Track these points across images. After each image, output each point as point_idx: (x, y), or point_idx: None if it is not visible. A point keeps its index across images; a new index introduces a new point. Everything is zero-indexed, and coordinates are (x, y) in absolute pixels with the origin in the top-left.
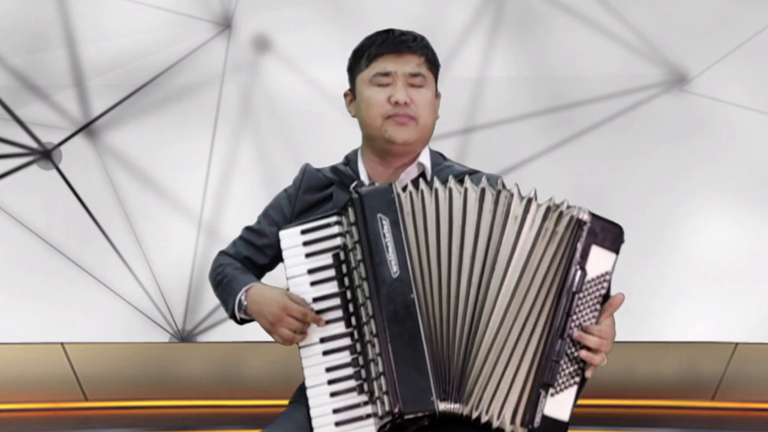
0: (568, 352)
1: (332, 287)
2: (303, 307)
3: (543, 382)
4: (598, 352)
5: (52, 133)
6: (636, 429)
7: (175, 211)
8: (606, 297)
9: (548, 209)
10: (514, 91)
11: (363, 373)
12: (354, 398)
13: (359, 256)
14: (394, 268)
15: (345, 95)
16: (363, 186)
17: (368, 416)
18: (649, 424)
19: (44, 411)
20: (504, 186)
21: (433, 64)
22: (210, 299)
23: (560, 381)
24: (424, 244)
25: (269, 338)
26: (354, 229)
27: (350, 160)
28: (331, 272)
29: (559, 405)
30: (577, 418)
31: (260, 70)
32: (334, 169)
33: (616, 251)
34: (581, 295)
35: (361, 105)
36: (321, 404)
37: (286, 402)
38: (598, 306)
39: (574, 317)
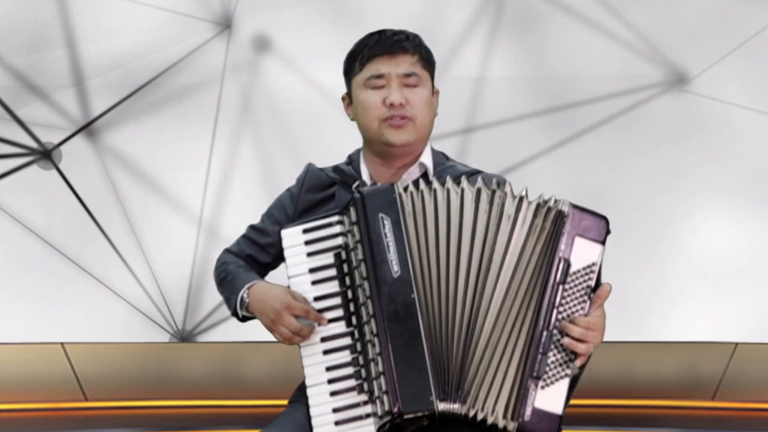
0: (557, 344)
1: (333, 286)
2: (305, 305)
3: (531, 375)
4: (582, 342)
5: (52, 133)
6: (636, 429)
7: (175, 211)
8: (596, 288)
9: (538, 206)
10: (514, 91)
11: (363, 372)
12: (354, 398)
13: (360, 256)
14: (395, 268)
15: (342, 99)
16: (365, 186)
17: (368, 416)
18: (649, 424)
19: (44, 411)
20: (499, 186)
21: (427, 62)
22: (210, 299)
23: (550, 374)
24: (424, 245)
25: (269, 338)
26: (355, 229)
27: (353, 159)
28: (332, 271)
29: (550, 397)
30: (577, 418)
31: (260, 70)
32: (336, 168)
33: (602, 242)
34: (567, 286)
35: (358, 109)
36: (321, 403)
37: (286, 402)
38: (586, 298)
39: (561, 309)
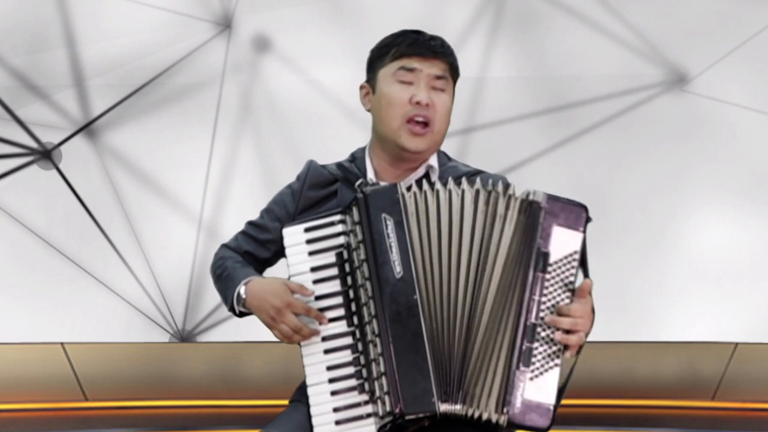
0: (543, 334)
1: (335, 286)
2: (305, 304)
3: (519, 366)
4: (573, 333)
5: (52, 133)
6: (636, 429)
7: (175, 211)
8: (585, 275)
9: (522, 202)
10: (514, 91)
11: (364, 372)
12: (354, 397)
13: (363, 256)
14: (398, 269)
15: (361, 87)
16: (368, 184)
17: (368, 415)
18: (649, 424)
19: (44, 411)
20: (494, 186)
21: (455, 71)
22: (210, 299)
23: (538, 364)
24: (427, 246)
25: (269, 338)
26: (358, 229)
27: (356, 157)
28: (334, 271)
29: (540, 388)
30: (577, 418)
31: (260, 70)
32: (339, 165)
33: (581, 230)
34: (548, 276)
35: (381, 101)
36: (321, 402)
37: (286, 402)
38: (571, 286)
39: (543, 299)
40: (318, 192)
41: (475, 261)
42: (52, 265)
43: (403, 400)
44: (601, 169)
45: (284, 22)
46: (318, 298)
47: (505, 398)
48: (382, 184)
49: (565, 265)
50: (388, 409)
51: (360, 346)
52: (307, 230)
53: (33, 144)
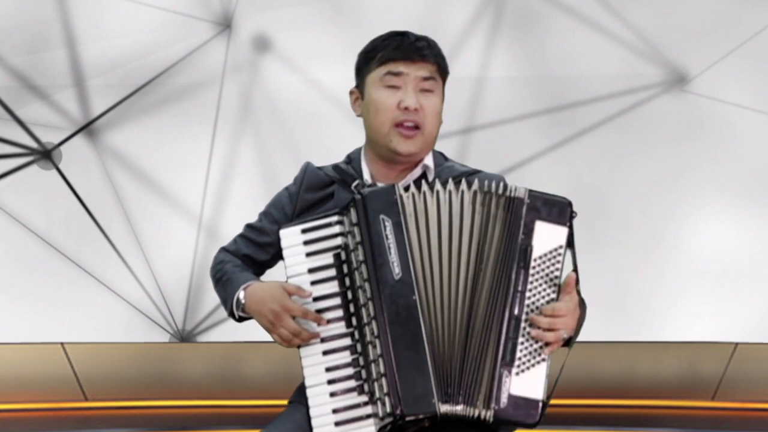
0: (528, 330)
1: (333, 287)
2: (303, 307)
3: (504, 362)
4: (551, 330)
5: (52, 133)
6: (636, 429)
7: (175, 211)
8: (575, 270)
9: (505, 199)
10: (514, 91)
11: (363, 373)
12: (354, 398)
13: (361, 257)
14: (397, 270)
15: (351, 93)
16: (365, 186)
17: (368, 417)
18: (649, 424)
19: (44, 411)
20: (490, 186)
21: (444, 71)
22: (210, 299)
23: (524, 359)
24: (426, 246)
25: (269, 338)
26: (356, 230)
27: (352, 159)
28: (332, 272)
29: (526, 383)
30: (577, 418)
31: (260, 70)
32: (335, 167)
33: (566, 225)
34: (532, 271)
35: (370, 107)
36: (320, 404)
37: (286, 402)
38: (556, 281)
39: (529, 294)
40: (315, 194)
41: (474, 261)
42: (52, 265)
43: (404, 401)
44: (601, 169)
45: (284, 22)
46: (316, 299)
47: (491, 394)
48: (379, 185)
49: (549, 260)
50: (388, 410)
51: (359, 347)
52: (304, 231)
53: (33, 144)
